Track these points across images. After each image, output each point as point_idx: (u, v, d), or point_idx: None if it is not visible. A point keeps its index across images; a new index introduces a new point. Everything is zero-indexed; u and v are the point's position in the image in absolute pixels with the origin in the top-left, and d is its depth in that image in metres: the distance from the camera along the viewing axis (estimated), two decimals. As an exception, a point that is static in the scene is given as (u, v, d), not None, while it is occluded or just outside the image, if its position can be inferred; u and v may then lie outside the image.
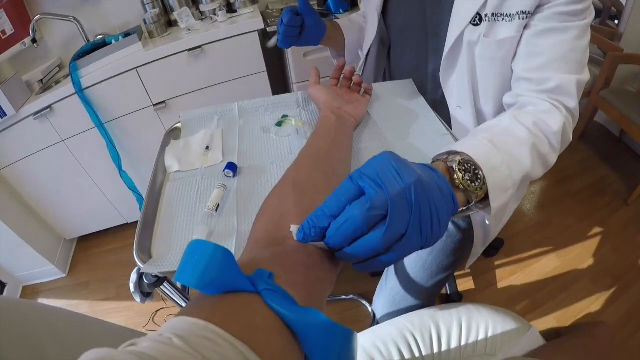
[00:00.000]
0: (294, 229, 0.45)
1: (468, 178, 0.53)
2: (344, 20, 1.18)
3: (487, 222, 0.99)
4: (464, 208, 0.56)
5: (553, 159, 0.68)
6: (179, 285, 0.83)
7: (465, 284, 1.81)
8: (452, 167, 0.53)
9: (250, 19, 1.96)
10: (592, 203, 2.21)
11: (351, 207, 0.41)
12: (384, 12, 1.04)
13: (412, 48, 1.01)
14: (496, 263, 1.89)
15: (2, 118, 1.72)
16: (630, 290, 1.71)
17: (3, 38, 1.95)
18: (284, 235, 0.48)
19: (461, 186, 0.52)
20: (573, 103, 0.71)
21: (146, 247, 0.67)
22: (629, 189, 2.25)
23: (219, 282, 0.32)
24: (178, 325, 0.29)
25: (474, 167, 0.54)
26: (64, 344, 0.44)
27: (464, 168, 0.53)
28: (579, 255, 1.90)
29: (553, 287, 1.76)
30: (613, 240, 1.97)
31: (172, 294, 0.79)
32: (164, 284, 0.73)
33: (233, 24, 1.94)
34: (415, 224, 0.41)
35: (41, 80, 1.99)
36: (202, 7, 2.13)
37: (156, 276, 0.68)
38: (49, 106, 1.79)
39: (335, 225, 0.41)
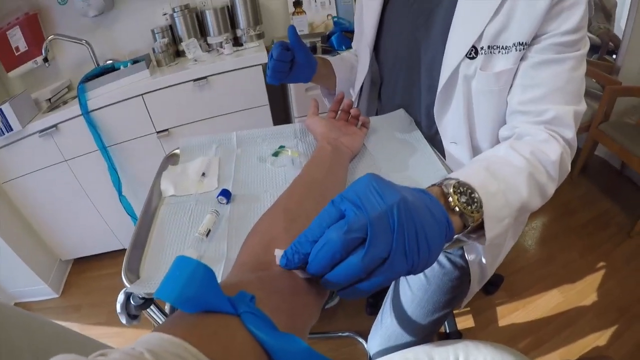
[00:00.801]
0: (278, 253, 0.44)
1: (464, 200, 0.51)
2: (336, 58, 1.16)
3: (483, 260, 0.97)
4: (459, 235, 0.54)
5: (551, 189, 0.66)
6: (167, 309, 0.83)
7: (464, 322, 1.77)
8: (447, 191, 0.51)
9: (255, 53, 2.02)
10: (595, 237, 2.19)
11: (329, 231, 0.39)
12: (376, 50, 1.05)
13: (405, 84, 1.00)
14: (497, 300, 1.85)
15: (8, 132, 1.75)
16: (636, 324, 1.67)
17: (16, 54, 2.03)
18: (270, 259, 0.47)
19: (457, 208, 0.50)
20: (571, 134, 0.71)
21: (135, 267, 0.68)
22: (632, 221, 2.23)
23: (198, 300, 0.31)
24: (152, 341, 0.28)
25: (470, 190, 0.52)
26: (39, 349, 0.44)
27: (459, 190, 0.52)
28: (583, 290, 1.87)
29: (557, 324, 1.72)
30: (617, 273, 1.94)
31: (159, 317, 0.79)
32: (151, 307, 0.73)
33: (238, 57, 2.00)
34: (398, 247, 0.39)
35: (49, 99, 2.03)
36: (209, 39, 2.21)
37: (143, 298, 0.67)
38: (55, 125, 1.82)
39: (314, 251, 0.40)
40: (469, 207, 0.51)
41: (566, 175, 0.72)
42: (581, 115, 0.73)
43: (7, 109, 1.69)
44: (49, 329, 0.50)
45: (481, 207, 0.52)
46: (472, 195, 0.52)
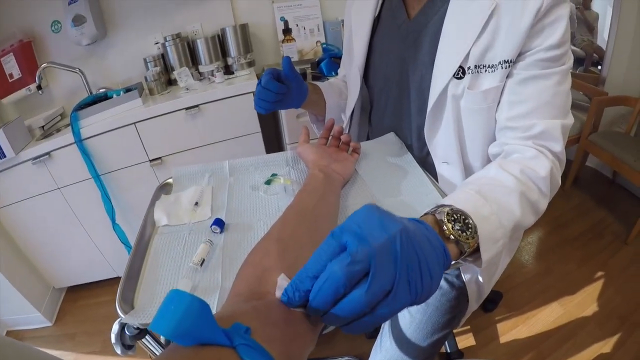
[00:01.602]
0: (280, 282, 0.44)
1: (458, 228, 0.51)
2: (325, 84, 1.17)
3: (479, 278, 0.97)
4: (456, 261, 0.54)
5: (543, 205, 0.67)
6: (162, 339, 0.82)
7: (465, 341, 1.75)
8: (441, 219, 0.51)
9: (246, 81, 2.05)
10: (591, 247, 2.20)
11: (332, 264, 0.38)
12: (365, 74, 1.05)
13: (395, 107, 1.01)
14: (497, 317, 1.84)
15: (1, 159, 1.75)
16: (638, 331, 1.67)
17: (10, 81, 2.05)
18: (265, 289, 0.48)
19: (452, 237, 0.50)
20: (559, 147, 0.71)
21: (129, 297, 0.67)
22: (627, 228, 2.24)
23: (193, 334, 0.31)
24: None
25: (463, 217, 0.52)
26: None
27: (453, 218, 0.51)
28: (583, 301, 1.87)
29: (558, 336, 1.71)
30: (616, 281, 1.95)
31: (155, 347, 0.78)
32: (146, 337, 0.73)
33: (230, 85, 2.03)
34: (402, 278, 0.38)
35: (43, 126, 2.04)
36: (201, 68, 2.24)
37: (138, 328, 0.67)
38: (48, 153, 1.83)
39: (316, 287, 0.38)
40: (464, 234, 0.51)
41: (557, 189, 0.73)
42: (568, 129, 0.74)
43: (0, 135, 1.69)
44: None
45: (476, 232, 0.52)
46: (466, 221, 0.52)
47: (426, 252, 0.41)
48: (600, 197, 2.62)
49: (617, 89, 2.56)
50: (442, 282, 0.95)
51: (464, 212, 0.53)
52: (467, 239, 0.51)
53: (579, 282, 1.97)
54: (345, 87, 1.19)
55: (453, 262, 0.50)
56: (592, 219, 2.42)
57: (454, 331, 1.76)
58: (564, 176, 2.66)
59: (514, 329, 1.78)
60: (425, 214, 0.55)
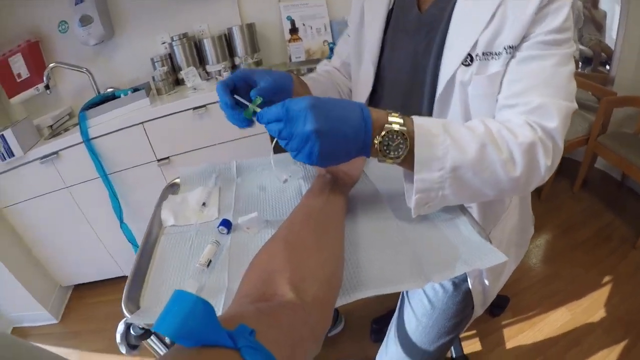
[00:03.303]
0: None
1: (385, 147, 0.64)
2: (310, 82, 1.04)
3: (485, 281, 0.97)
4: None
5: (507, 172, 0.66)
6: (167, 340, 0.82)
7: (471, 346, 1.73)
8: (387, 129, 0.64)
9: (254, 81, 2.04)
10: (600, 251, 2.17)
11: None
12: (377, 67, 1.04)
13: (405, 98, 1.00)
14: (503, 322, 1.82)
15: (9, 158, 1.77)
16: None
17: (18, 81, 2.07)
18: (271, 291, 0.48)
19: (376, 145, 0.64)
20: (553, 124, 0.69)
21: (135, 297, 0.68)
22: (636, 231, 2.22)
23: (197, 335, 0.31)
24: None
25: (400, 142, 0.64)
26: None
27: (388, 138, 0.64)
28: (590, 307, 1.84)
29: (565, 342, 1.69)
30: (624, 286, 1.92)
31: (159, 348, 0.79)
32: (151, 337, 0.73)
33: (237, 85, 2.01)
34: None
35: (51, 126, 2.06)
36: (208, 68, 2.25)
37: (143, 328, 0.67)
38: (56, 152, 1.85)
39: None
40: (390, 153, 0.65)
41: (542, 171, 0.70)
42: (569, 112, 0.72)
43: (9, 134, 1.71)
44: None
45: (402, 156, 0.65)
46: (400, 145, 0.64)
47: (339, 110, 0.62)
48: (608, 200, 2.58)
49: (626, 89, 2.52)
50: (449, 286, 0.95)
51: (406, 137, 0.64)
52: (387, 156, 0.65)
53: (586, 287, 1.94)
54: (339, 77, 1.18)
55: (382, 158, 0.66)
56: (600, 223, 2.39)
57: (460, 336, 1.73)
58: (573, 178, 2.67)
59: (520, 334, 1.76)
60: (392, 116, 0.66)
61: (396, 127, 0.64)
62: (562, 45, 0.73)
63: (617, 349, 1.63)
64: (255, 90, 0.74)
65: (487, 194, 0.71)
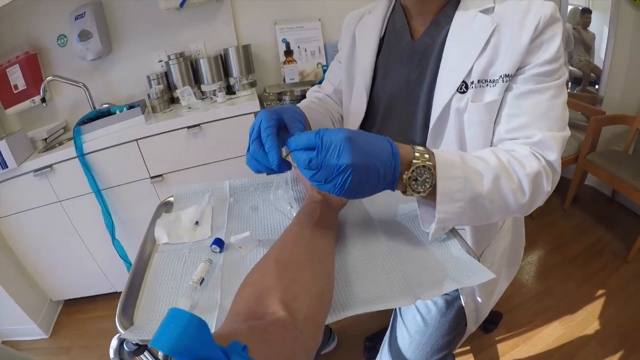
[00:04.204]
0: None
1: (414, 181, 0.65)
2: (306, 110, 1.00)
3: (478, 298, 0.98)
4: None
5: (518, 200, 0.70)
6: (160, 355, 0.83)
7: (465, 363, 1.74)
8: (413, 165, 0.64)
9: (247, 101, 2.07)
10: (592, 265, 2.19)
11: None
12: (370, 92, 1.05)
13: (400, 126, 1.00)
14: (497, 337, 1.82)
15: (3, 169, 1.76)
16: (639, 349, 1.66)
17: (15, 92, 2.08)
18: (263, 310, 0.49)
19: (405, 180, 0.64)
20: (553, 156, 0.74)
21: (129, 313, 0.68)
22: (627, 246, 2.24)
23: (192, 351, 0.32)
24: None
25: (427, 177, 0.65)
26: None
27: (416, 173, 0.64)
28: (584, 320, 1.85)
29: (559, 356, 1.70)
30: (617, 299, 1.94)
31: (152, 364, 0.79)
32: (145, 353, 0.73)
33: (231, 105, 2.05)
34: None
35: (45, 139, 2.06)
36: (203, 87, 2.28)
37: (137, 344, 0.67)
38: (50, 165, 1.84)
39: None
40: (414, 186, 0.65)
41: (542, 196, 0.75)
42: (565, 140, 0.76)
43: (3, 145, 1.70)
44: None
45: (430, 187, 0.65)
46: (427, 179, 0.65)
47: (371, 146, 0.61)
48: (599, 216, 2.62)
49: (614, 107, 2.59)
50: (442, 303, 0.95)
51: (432, 172, 0.65)
52: (417, 192, 0.66)
53: (579, 301, 1.96)
54: (332, 105, 1.18)
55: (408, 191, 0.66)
56: (591, 238, 2.42)
57: (454, 352, 1.73)
58: (564, 195, 2.70)
59: (514, 349, 1.76)
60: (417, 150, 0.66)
61: (423, 162, 0.65)
62: (556, 74, 0.76)
63: (613, 359, 1.64)
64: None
65: (494, 218, 0.75)
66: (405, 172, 0.64)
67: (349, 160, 0.57)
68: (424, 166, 0.64)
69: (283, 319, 0.48)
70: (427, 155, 0.65)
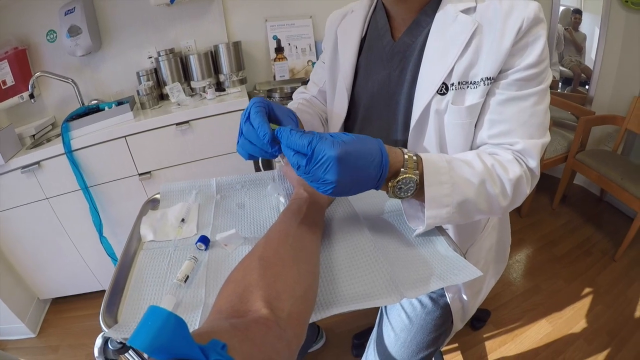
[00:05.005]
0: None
1: (398, 189, 0.67)
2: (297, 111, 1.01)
3: (464, 296, 0.98)
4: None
5: (501, 203, 0.73)
6: (145, 356, 0.82)
7: (453, 359, 1.75)
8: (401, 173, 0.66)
9: (237, 98, 2.07)
10: (580, 264, 2.21)
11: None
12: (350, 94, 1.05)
13: (380, 124, 1.00)
14: (484, 335, 1.83)
15: (-11, 166, 1.72)
16: (628, 345, 1.68)
17: (3, 88, 2.04)
18: (246, 307, 0.49)
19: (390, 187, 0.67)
20: (534, 163, 0.76)
21: (113, 312, 0.68)
22: (615, 245, 2.27)
23: (169, 349, 0.32)
24: None
25: (411, 185, 0.67)
26: None
27: (402, 183, 0.66)
28: (571, 318, 1.87)
29: (547, 353, 1.71)
30: (604, 297, 1.96)
31: (137, 363, 0.78)
32: (129, 352, 0.73)
33: (221, 102, 2.04)
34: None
35: (33, 135, 2.04)
36: (193, 84, 2.26)
37: (121, 342, 0.68)
38: (38, 162, 1.82)
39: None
40: (397, 192, 0.67)
41: (523, 198, 0.78)
42: (544, 146, 0.79)
43: (-10, 142, 1.67)
44: None
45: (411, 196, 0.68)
46: (410, 188, 0.67)
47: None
48: (588, 215, 2.65)
49: (604, 108, 2.62)
50: (427, 301, 0.96)
51: (417, 182, 0.67)
52: (398, 197, 0.68)
53: (567, 299, 1.98)
54: (319, 106, 1.18)
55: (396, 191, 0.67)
56: (580, 237, 2.45)
57: (442, 349, 1.74)
58: (552, 194, 2.73)
59: (502, 347, 1.77)
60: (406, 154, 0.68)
61: (410, 173, 0.66)
62: (539, 78, 0.76)
63: (600, 357, 1.66)
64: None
65: (476, 218, 0.77)
66: (391, 181, 0.66)
67: (336, 177, 0.59)
68: (410, 177, 0.66)
69: (265, 316, 0.48)
70: (415, 164, 0.67)
